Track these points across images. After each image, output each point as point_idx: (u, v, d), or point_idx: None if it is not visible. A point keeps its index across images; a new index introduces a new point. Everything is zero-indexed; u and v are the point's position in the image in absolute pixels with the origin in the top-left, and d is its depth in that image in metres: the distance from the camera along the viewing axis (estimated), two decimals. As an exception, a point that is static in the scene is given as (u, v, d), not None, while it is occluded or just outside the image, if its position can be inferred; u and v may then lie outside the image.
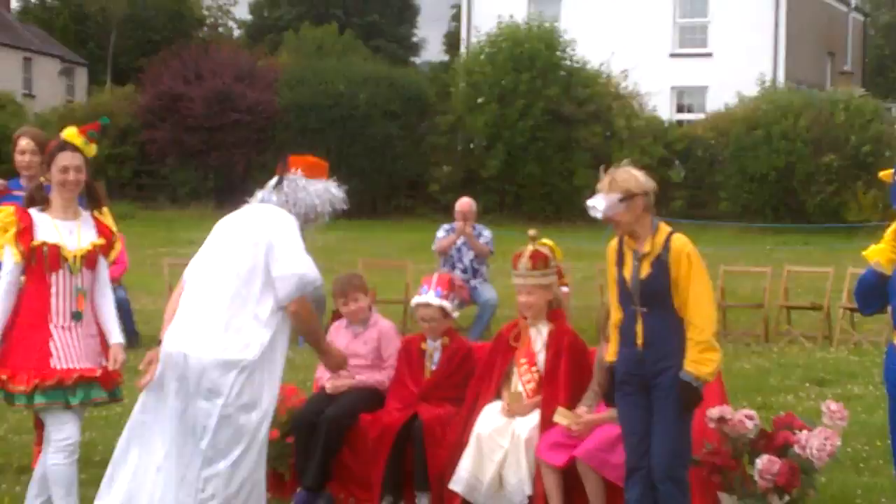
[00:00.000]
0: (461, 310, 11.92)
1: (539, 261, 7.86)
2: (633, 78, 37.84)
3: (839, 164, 33.76)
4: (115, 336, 6.99)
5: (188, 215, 33.50)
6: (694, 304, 6.55)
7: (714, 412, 7.46)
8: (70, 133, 6.89)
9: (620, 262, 6.71)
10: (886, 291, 6.33)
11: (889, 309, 6.44)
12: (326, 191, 6.80)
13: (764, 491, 7.41)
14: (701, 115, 40.08)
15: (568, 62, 37.02)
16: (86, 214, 7.00)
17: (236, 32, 71.32)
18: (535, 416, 7.75)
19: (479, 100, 36.21)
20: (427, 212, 33.17)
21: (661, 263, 6.57)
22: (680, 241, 6.63)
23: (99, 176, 36.13)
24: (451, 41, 62.73)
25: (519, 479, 7.64)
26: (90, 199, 7.09)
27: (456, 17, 61.43)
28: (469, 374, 8.21)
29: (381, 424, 8.00)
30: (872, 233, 31.56)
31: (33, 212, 6.83)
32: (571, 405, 7.63)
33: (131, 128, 37.03)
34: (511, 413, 7.82)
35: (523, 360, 7.93)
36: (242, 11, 74.32)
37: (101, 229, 7.02)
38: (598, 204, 6.54)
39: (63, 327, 6.80)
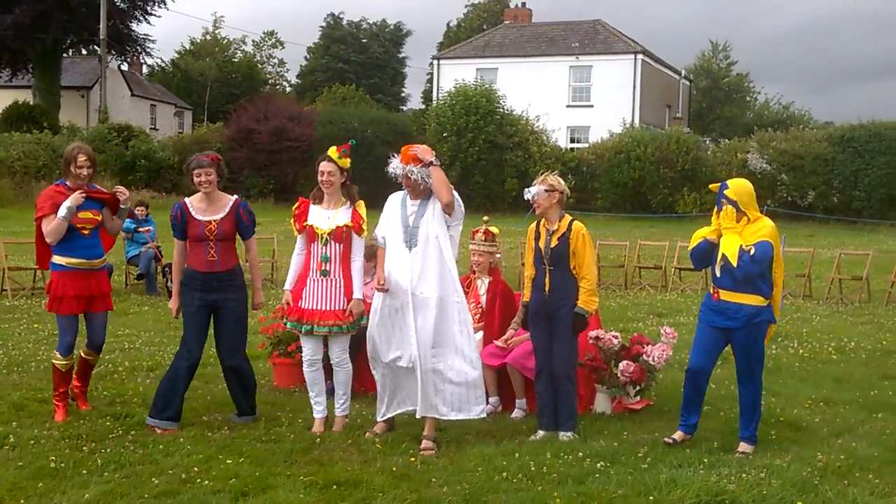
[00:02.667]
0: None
1: (489, 236, 7.88)
2: (543, 120, 37.84)
3: (672, 176, 34.02)
4: (357, 293, 6.69)
5: (257, 207, 33.10)
6: (586, 266, 6.60)
7: (593, 333, 7.51)
8: (331, 150, 6.77)
9: (537, 238, 6.73)
10: (713, 257, 6.39)
11: (709, 269, 6.53)
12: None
13: (623, 383, 7.47)
14: (586, 145, 40.08)
15: (501, 110, 36.95)
16: (347, 206, 6.76)
17: (288, 89, 70.80)
18: (478, 335, 7.69)
19: (444, 134, 36.16)
20: (410, 205, 33.14)
21: (565, 239, 6.60)
22: (578, 225, 6.67)
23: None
24: (426, 96, 62.55)
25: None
26: (347, 196, 6.80)
27: (429, 81, 61.22)
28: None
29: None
30: (693, 220, 31.96)
31: (311, 203, 6.77)
32: (502, 330, 7.64)
33: (220, 150, 36.54)
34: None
35: (472, 300, 7.88)
36: (292, 75, 74.04)
37: (354, 216, 6.71)
38: (532, 189, 6.65)
39: (315, 280, 6.69)
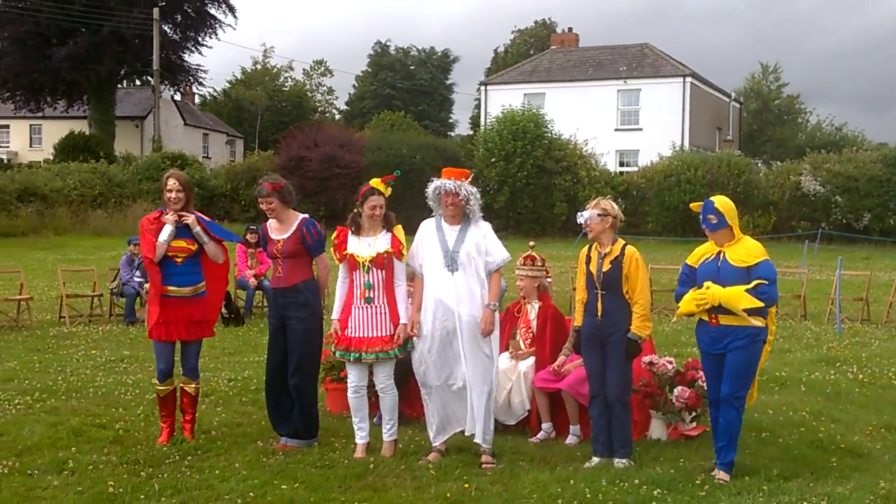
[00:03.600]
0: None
1: (529, 260, 7.87)
2: (591, 144, 37.75)
3: (724, 199, 33.57)
4: (403, 317, 6.76)
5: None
6: (639, 290, 6.54)
7: (647, 359, 7.45)
8: (376, 181, 6.82)
9: (589, 262, 6.69)
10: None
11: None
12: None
13: (679, 409, 7.38)
14: (635, 168, 39.90)
15: (549, 134, 36.92)
16: (385, 232, 6.82)
17: (337, 116, 71.56)
18: (530, 360, 7.72)
19: (492, 159, 36.21)
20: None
21: (618, 263, 6.56)
22: (631, 249, 6.64)
23: (251, 207, 36.45)
24: (474, 122, 62.79)
25: (521, 399, 7.64)
26: (385, 223, 6.85)
27: (477, 107, 61.51)
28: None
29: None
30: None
31: (349, 233, 6.84)
32: (554, 355, 7.59)
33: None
34: (515, 358, 7.79)
35: (523, 325, 7.89)
36: (341, 102, 74.86)
37: (394, 241, 6.79)
38: (585, 214, 6.64)
39: (360, 308, 6.75)
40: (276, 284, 7.14)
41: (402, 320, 6.79)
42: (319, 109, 71.99)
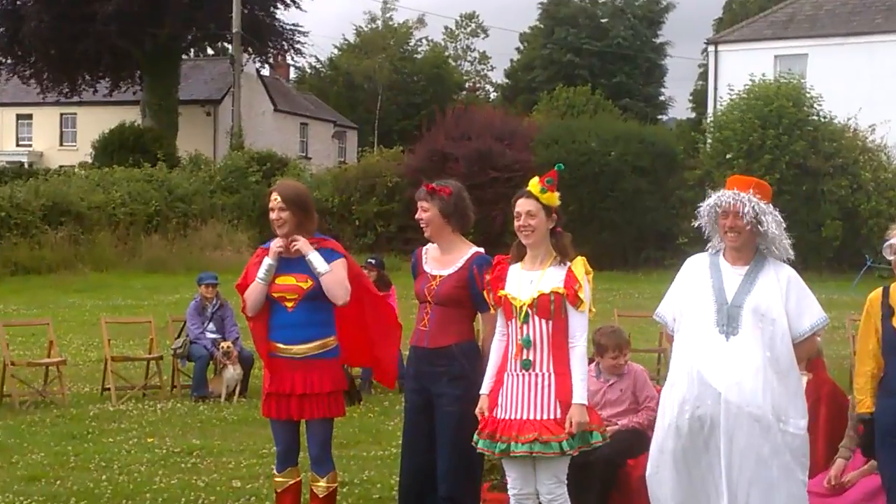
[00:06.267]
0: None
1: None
2: (881, 131, 36.75)
3: None
4: (578, 394, 6.42)
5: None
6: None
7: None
8: (532, 183, 6.60)
9: (888, 313, 6.34)
10: None
11: None
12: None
13: None
14: (950, 166, 38.54)
15: (815, 117, 36.22)
16: (560, 264, 6.56)
17: (493, 94, 72.28)
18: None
19: (728, 155, 35.75)
20: (676, 264, 32.54)
21: (942, 318, 6.30)
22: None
23: (369, 230, 37.00)
24: (698, 99, 62.30)
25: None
26: (558, 250, 6.59)
27: (703, 77, 60.97)
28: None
29: (642, 467, 7.17)
30: None
31: (510, 263, 6.68)
32: (829, 453, 7.42)
33: (399, 186, 37.17)
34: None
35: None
36: (498, 75, 75.65)
37: (568, 279, 6.47)
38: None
39: (513, 375, 6.51)
40: (420, 342, 7.08)
41: (577, 399, 6.43)
42: (468, 85, 72.91)
